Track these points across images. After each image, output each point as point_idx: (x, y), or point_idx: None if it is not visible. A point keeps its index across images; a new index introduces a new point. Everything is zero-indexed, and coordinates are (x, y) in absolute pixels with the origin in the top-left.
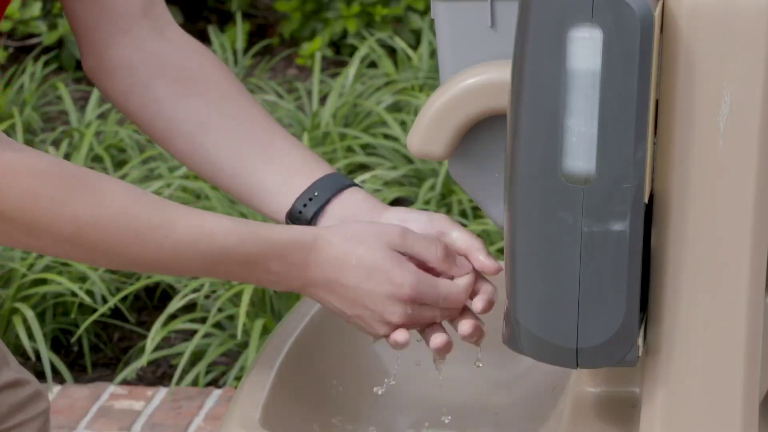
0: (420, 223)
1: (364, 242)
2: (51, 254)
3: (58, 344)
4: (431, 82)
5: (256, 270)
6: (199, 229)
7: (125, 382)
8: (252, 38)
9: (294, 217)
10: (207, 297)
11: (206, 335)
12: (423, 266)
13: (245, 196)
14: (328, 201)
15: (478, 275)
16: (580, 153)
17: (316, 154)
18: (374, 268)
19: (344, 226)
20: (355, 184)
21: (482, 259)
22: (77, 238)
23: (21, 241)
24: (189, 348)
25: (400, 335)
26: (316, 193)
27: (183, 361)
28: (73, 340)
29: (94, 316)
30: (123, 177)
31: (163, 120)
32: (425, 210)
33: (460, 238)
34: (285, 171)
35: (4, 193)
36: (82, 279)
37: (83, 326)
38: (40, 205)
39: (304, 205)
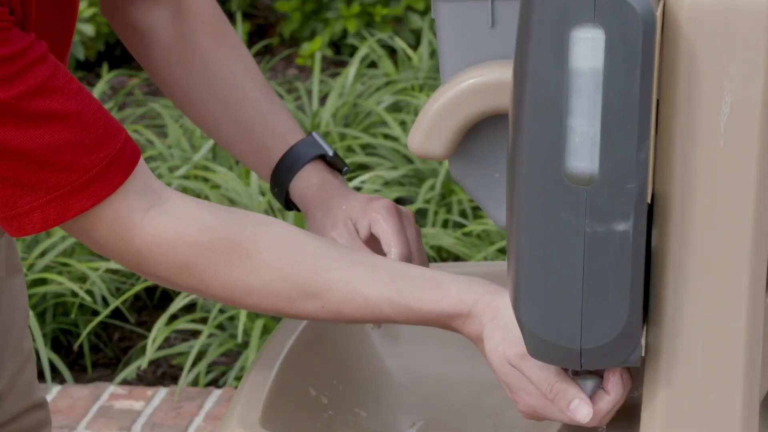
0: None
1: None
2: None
3: (58, 344)
4: (431, 82)
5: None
6: (352, 297)
7: (125, 382)
8: (252, 38)
9: (279, 170)
10: None
11: (206, 335)
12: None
13: (245, 150)
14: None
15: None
16: (583, 153)
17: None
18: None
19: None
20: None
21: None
22: (233, 302)
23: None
24: (194, 348)
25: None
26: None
27: (189, 362)
28: (76, 344)
29: (97, 320)
30: None
31: (163, 83)
32: (376, 196)
33: (385, 233)
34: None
35: (160, 263)
36: (82, 279)
37: (86, 330)
38: (194, 274)
39: (294, 158)
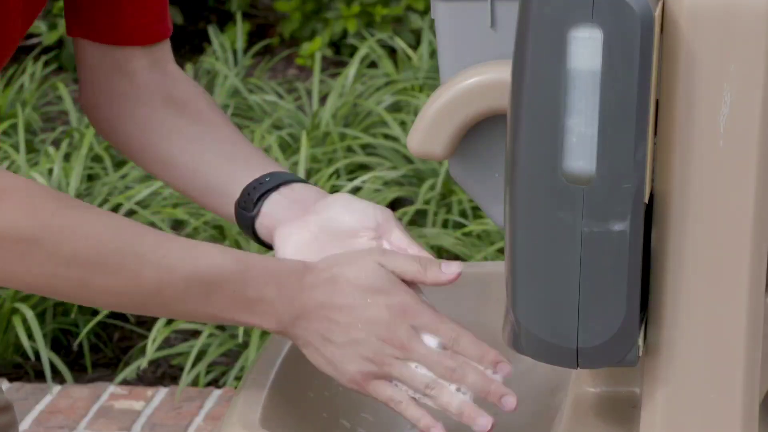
0: (358, 213)
1: (354, 262)
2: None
3: (58, 344)
4: (431, 82)
5: (250, 297)
6: (194, 250)
7: (125, 382)
8: (252, 38)
9: (242, 200)
10: None
11: (206, 335)
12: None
13: (201, 191)
14: (275, 187)
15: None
16: (581, 153)
17: (276, 163)
18: (369, 286)
19: (329, 255)
20: (305, 181)
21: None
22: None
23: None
24: (195, 348)
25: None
26: (267, 179)
27: (189, 361)
28: (76, 344)
29: (97, 319)
30: (123, 177)
31: (140, 140)
32: (372, 203)
33: (400, 240)
34: (242, 167)
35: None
36: None
37: (86, 330)
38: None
39: (254, 188)
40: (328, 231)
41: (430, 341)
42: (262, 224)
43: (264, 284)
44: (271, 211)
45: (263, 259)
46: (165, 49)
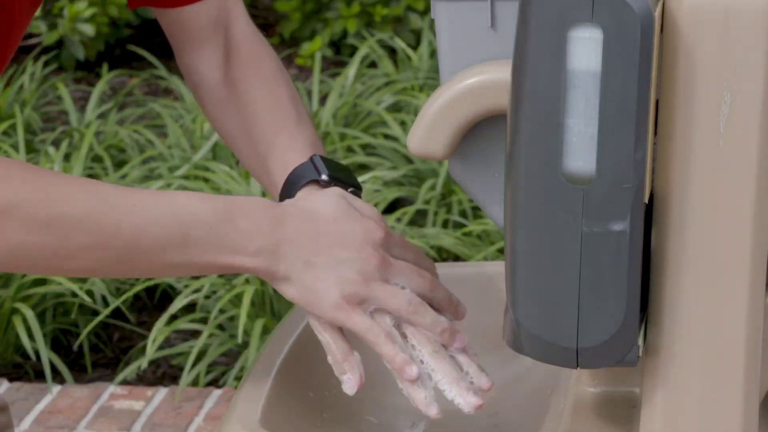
0: None
1: (320, 196)
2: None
3: (58, 344)
4: (431, 82)
5: (226, 231)
6: (165, 196)
7: (125, 382)
8: None
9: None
10: (207, 297)
11: (206, 335)
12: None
13: (267, 186)
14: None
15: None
16: (581, 153)
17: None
18: (338, 211)
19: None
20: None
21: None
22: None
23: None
24: (195, 348)
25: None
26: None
27: (189, 361)
28: (76, 344)
29: (97, 320)
30: (123, 177)
31: (214, 124)
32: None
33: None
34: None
35: None
36: (82, 279)
37: (86, 330)
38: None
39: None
40: None
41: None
42: None
43: (239, 216)
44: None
45: (230, 197)
46: (224, 5)
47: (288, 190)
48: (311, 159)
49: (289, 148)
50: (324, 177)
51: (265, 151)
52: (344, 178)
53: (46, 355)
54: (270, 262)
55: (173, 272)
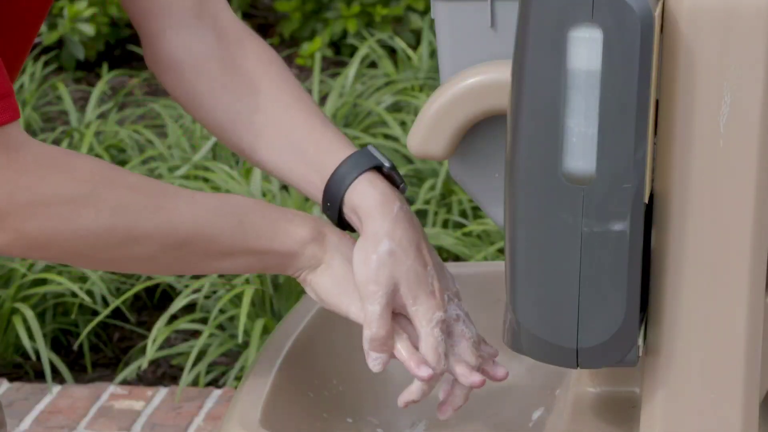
0: None
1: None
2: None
3: (58, 344)
4: (431, 82)
5: (279, 218)
6: (218, 195)
7: (125, 382)
8: None
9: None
10: (207, 297)
11: (207, 335)
12: None
13: (300, 172)
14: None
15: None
16: (581, 153)
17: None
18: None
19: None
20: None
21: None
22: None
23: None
24: (195, 348)
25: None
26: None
27: (189, 361)
28: (76, 344)
29: (97, 320)
30: None
31: (206, 112)
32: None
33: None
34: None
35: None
36: (82, 279)
37: (86, 330)
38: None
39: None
40: None
41: None
42: (347, 206)
43: (286, 211)
44: (358, 198)
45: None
46: None
47: (343, 176)
48: (367, 147)
49: (334, 137)
50: (387, 164)
51: (304, 139)
52: (396, 172)
53: (46, 355)
54: (327, 233)
55: (228, 263)
